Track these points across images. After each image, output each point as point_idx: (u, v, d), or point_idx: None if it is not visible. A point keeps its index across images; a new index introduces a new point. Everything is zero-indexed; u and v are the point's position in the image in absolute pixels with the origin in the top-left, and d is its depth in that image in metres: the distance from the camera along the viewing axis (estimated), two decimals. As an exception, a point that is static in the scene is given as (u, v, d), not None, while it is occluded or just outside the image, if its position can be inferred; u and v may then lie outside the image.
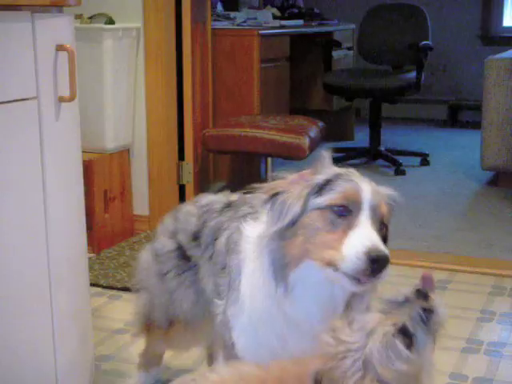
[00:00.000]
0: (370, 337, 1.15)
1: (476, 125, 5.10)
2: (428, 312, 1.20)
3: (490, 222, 3.78)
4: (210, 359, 2.07)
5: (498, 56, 4.46)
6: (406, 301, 1.22)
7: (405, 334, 1.16)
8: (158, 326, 1.86)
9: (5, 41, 1.55)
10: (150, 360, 2.05)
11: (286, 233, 1.35)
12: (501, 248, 3.35)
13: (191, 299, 1.72)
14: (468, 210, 4.10)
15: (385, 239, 1.36)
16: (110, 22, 3.36)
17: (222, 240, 1.59)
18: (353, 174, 1.37)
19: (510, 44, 5.93)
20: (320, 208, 1.32)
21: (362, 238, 1.27)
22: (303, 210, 1.33)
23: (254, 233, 1.48)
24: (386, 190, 1.41)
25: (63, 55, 1.72)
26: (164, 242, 1.78)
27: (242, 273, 1.47)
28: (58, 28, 1.74)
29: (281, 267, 1.35)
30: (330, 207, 1.31)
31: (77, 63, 1.75)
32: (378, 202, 1.33)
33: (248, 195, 1.66)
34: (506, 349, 2.37)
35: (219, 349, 1.61)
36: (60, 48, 1.71)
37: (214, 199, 1.73)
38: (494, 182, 4.53)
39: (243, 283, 1.47)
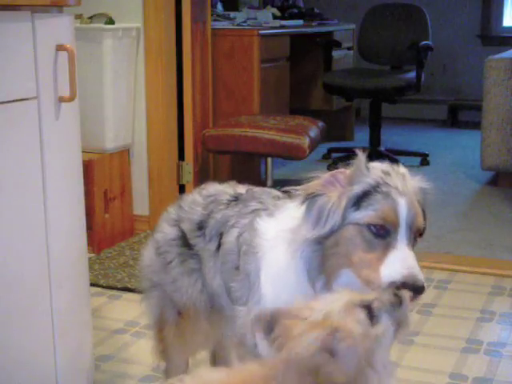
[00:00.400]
0: (333, 303, 1.18)
1: (476, 125, 5.10)
2: (396, 299, 1.21)
3: (490, 222, 3.78)
4: (213, 359, 2.06)
5: (497, 56, 4.46)
6: (380, 288, 1.25)
7: (368, 310, 1.18)
8: (168, 319, 1.82)
9: (5, 41, 1.55)
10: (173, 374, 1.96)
11: (323, 240, 1.35)
12: (501, 248, 3.35)
13: (197, 287, 1.70)
14: (468, 210, 4.10)
15: (422, 233, 1.39)
16: (110, 22, 3.36)
17: (230, 238, 1.57)
18: (390, 181, 1.34)
19: (510, 44, 5.93)
20: (358, 224, 1.32)
21: (399, 264, 1.28)
22: (342, 222, 1.33)
23: (270, 230, 1.48)
24: (418, 183, 1.42)
25: (63, 55, 1.72)
26: (166, 230, 1.75)
27: (262, 273, 1.46)
28: (58, 28, 1.74)
29: (319, 275, 1.36)
30: (367, 226, 1.31)
31: (77, 63, 1.75)
32: (415, 215, 1.33)
33: (256, 189, 1.65)
34: (506, 349, 2.37)
35: (236, 350, 1.58)
36: (60, 48, 1.71)
37: (220, 189, 1.71)
38: (493, 182, 4.53)
39: (263, 283, 1.46)
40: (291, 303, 1.40)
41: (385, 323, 1.18)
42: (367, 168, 1.37)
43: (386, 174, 1.36)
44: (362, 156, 1.38)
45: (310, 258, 1.37)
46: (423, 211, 1.40)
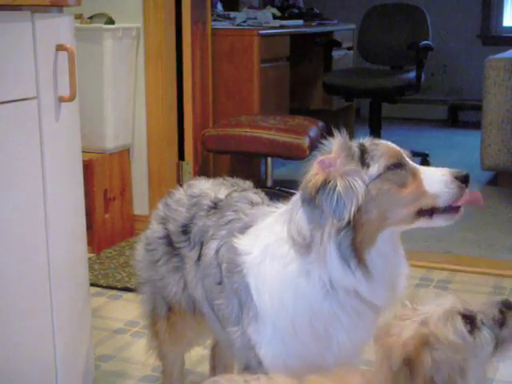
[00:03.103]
0: (436, 307, 1.18)
1: (476, 125, 5.10)
2: (501, 316, 1.21)
3: (490, 221, 3.78)
4: (213, 358, 2.06)
5: (497, 56, 4.46)
6: (489, 301, 1.25)
7: (471, 320, 1.18)
8: (159, 314, 1.83)
9: (5, 41, 1.55)
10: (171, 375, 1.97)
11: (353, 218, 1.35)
12: (501, 248, 3.35)
13: (180, 285, 1.71)
14: (468, 210, 4.10)
15: None
16: (110, 22, 3.36)
17: (210, 251, 1.57)
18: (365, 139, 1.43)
19: (510, 44, 5.93)
20: (380, 175, 1.35)
21: (435, 172, 1.37)
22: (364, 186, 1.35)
23: (251, 246, 1.47)
24: None
25: (63, 55, 1.72)
26: (154, 228, 1.77)
27: (252, 288, 1.45)
28: (58, 28, 1.74)
29: (352, 252, 1.34)
30: (387, 169, 1.35)
31: (77, 63, 1.75)
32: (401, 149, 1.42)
33: (234, 194, 1.65)
34: (505, 349, 2.37)
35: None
36: (60, 48, 1.71)
37: (204, 190, 1.72)
38: (494, 182, 4.53)
39: (258, 296, 1.44)
40: (298, 310, 1.40)
41: (485, 338, 1.18)
42: (345, 141, 1.42)
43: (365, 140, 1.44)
44: (339, 135, 1.42)
45: (342, 243, 1.34)
46: None
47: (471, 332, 1.17)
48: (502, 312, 1.22)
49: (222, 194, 1.68)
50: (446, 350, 1.13)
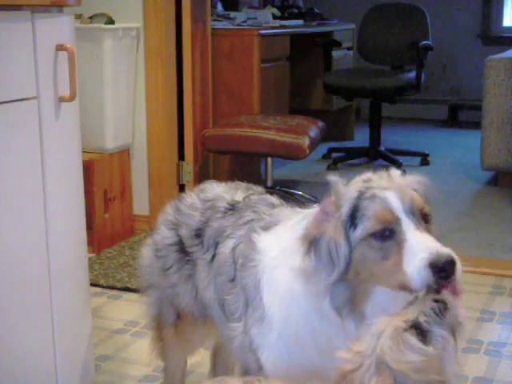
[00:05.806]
0: (379, 338, 1.09)
1: (476, 125, 5.10)
2: (441, 304, 1.14)
3: (490, 221, 3.78)
4: (214, 360, 2.06)
5: (497, 56, 4.46)
6: (417, 298, 1.17)
7: (418, 328, 1.10)
8: (167, 320, 1.81)
9: (5, 41, 1.55)
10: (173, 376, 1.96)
11: (345, 276, 1.30)
12: (501, 248, 3.35)
13: (192, 294, 1.69)
14: (468, 210, 4.10)
15: (429, 220, 1.36)
16: (110, 22, 3.36)
17: (225, 249, 1.55)
18: (372, 184, 1.31)
19: (510, 44, 5.93)
20: (362, 240, 1.27)
21: (416, 251, 1.23)
22: (350, 247, 1.29)
23: (270, 246, 1.45)
24: (414, 178, 1.38)
25: (63, 55, 1.72)
26: (164, 234, 1.73)
27: (263, 288, 1.43)
28: (58, 28, 1.74)
29: (349, 308, 1.31)
30: (370, 237, 1.27)
31: (77, 63, 1.75)
32: (410, 200, 1.29)
33: (253, 196, 1.64)
34: (505, 349, 2.37)
35: (240, 375, 1.55)
36: (60, 48, 1.71)
37: (218, 194, 1.68)
38: (493, 182, 4.53)
39: (268, 299, 1.42)
40: (302, 324, 1.38)
41: (439, 336, 1.11)
42: (345, 185, 1.33)
43: (367, 181, 1.33)
44: (334, 178, 1.35)
45: (335, 297, 1.32)
46: (424, 197, 1.36)
47: (425, 341, 1.08)
48: (436, 300, 1.15)
49: (238, 196, 1.65)
50: (417, 376, 1.05)
